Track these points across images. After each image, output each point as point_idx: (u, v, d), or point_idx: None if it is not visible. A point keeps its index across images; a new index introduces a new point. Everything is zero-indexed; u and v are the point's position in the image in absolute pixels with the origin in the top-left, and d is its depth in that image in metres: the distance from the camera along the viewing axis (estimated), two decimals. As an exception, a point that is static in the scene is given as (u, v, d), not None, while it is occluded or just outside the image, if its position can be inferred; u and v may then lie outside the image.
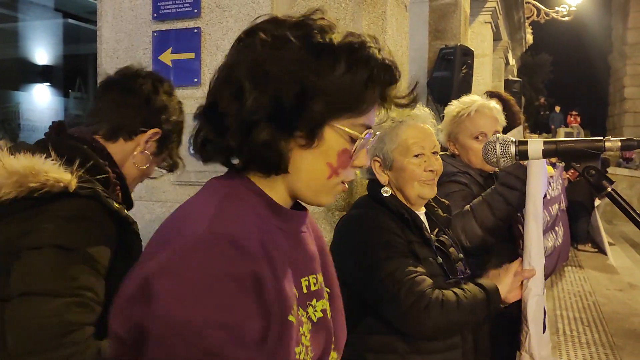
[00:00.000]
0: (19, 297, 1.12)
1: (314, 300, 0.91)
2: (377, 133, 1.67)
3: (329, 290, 1.00)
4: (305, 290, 0.89)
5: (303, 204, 0.94)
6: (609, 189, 1.05)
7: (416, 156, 1.61)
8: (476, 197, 1.94)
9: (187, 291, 0.71)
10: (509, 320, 1.71)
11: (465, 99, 2.17)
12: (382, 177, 1.66)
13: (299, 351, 0.83)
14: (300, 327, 0.85)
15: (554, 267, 3.14)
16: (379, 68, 0.85)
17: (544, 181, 1.71)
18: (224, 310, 0.72)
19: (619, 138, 1.07)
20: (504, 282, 1.59)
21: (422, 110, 1.67)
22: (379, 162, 1.66)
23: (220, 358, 0.70)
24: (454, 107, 2.16)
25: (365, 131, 0.87)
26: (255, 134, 0.81)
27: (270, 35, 0.83)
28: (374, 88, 0.85)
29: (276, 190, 0.89)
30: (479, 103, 2.10)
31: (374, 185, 1.67)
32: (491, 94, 3.12)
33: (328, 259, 1.04)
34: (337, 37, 0.84)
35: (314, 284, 0.92)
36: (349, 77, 0.82)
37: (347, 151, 0.86)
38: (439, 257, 1.58)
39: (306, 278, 0.90)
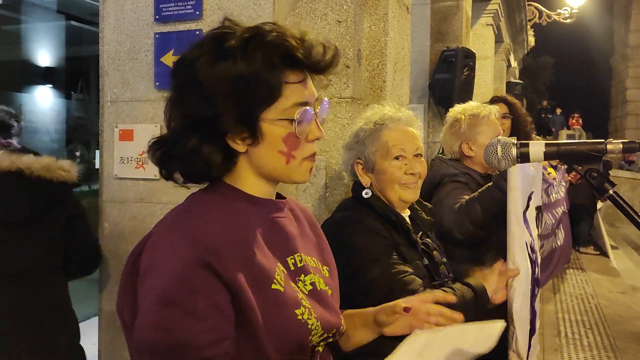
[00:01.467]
0: None
1: (302, 275, 1.02)
2: (360, 135, 1.70)
3: (327, 267, 1.13)
4: (292, 268, 1.00)
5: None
6: (611, 192, 1.04)
7: (397, 158, 1.62)
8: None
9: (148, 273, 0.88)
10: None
11: (469, 104, 2.25)
12: (365, 179, 1.67)
13: (300, 312, 0.95)
14: (297, 293, 0.97)
15: (554, 268, 3.13)
16: (270, 50, 0.91)
17: (527, 181, 1.72)
18: (174, 290, 0.85)
19: (620, 140, 1.07)
20: (490, 282, 1.58)
21: (406, 114, 1.67)
22: (361, 164, 1.67)
23: (172, 331, 0.83)
24: (463, 109, 2.21)
25: (299, 109, 0.94)
26: (184, 144, 0.93)
27: (184, 63, 0.95)
28: (274, 69, 0.91)
29: (251, 185, 1.00)
30: (490, 108, 2.21)
31: (358, 187, 1.67)
32: (497, 99, 3.13)
33: (323, 241, 1.18)
34: (232, 41, 0.92)
35: (300, 262, 1.03)
36: (248, 69, 0.90)
37: (291, 134, 0.95)
38: (424, 259, 1.58)
39: (292, 257, 1.02)
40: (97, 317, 2.47)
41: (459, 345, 0.99)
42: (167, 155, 0.97)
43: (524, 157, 1.18)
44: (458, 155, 2.26)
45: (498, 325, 0.94)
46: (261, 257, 0.93)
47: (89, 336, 2.42)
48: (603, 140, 1.09)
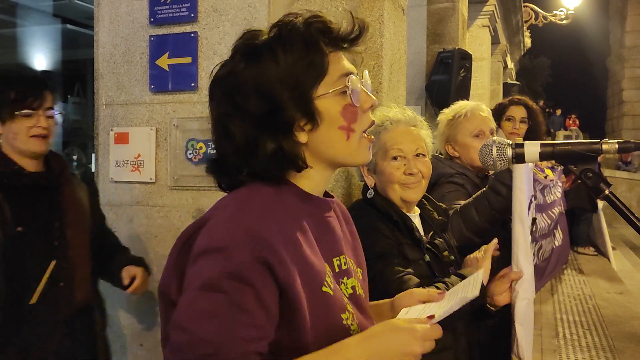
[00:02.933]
0: None
1: (345, 278, 1.02)
2: None
3: (361, 270, 1.13)
4: (337, 269, 1.01)
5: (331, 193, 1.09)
6: (607, 192, 1.04)
7: (395, 159, 1.63)
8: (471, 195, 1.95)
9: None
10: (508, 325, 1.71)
11: (455, 105, 2.24)
12: (369, 180, 1.70)
13: (345, 317, 0.95)
14: (343, 297, 0.98)
15: (553, 269, 3.13)
16: (306, 30, 0.94)
17: (529, 185, 1.72)
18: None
19: (616, 140, 1.07)
20: (484, 266, 1.56)
21: (407, 115, 1.68)
22: (366, 165, 1.70)
23: (215, 317, 0.83)
24: (447, 112, 2.22)
25: (347, 78, 0.96)
26: (262, 149, 0.94)
27: (222, 78, 0.97)
28: (315, 46, 0.95)
29: (310, 178, 1.00)
30: (472, 105, 2.19)
31: (365, 188, 1.71)
32: (518, 101, 3.10)
33: (358, 242, 1.18)
34: (264, 36, 0.96)
35: (344, 264, 1.03)
36: (290, 56, 0.93)
37: (348, 106, 0.96)
38: (426, 255, 1.58)
39: (337, 258, 1.02)
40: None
41: (453, 296, 1.00)
42: (230, 169, 0.97)
43: (519, 158, 1.18)
44: (450, 157, 2.26)
45: (479, 274, 0.95)
46: (314, 258, 0.94)
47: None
48: (598, 140, 1.09)
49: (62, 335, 1.78)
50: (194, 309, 0.84)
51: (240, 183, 0.98)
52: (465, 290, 0.96)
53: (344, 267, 1.03)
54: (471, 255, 1.65)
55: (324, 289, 0.93)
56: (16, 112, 1.73)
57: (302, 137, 0.96)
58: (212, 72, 1.00)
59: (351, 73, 0.97)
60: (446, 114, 2.23)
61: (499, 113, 3.09)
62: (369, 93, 1.00)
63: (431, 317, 0.94)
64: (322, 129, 0.96)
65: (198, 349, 0.81)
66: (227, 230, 0.88)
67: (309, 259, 0.92)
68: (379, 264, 1.47)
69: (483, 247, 1.64)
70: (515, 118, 3.03)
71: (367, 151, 1.02)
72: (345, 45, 0.99)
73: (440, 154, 2.36)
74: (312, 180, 1.01)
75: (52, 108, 1.81)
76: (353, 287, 1.03)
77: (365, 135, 1.00)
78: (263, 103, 0.93)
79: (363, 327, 0.98)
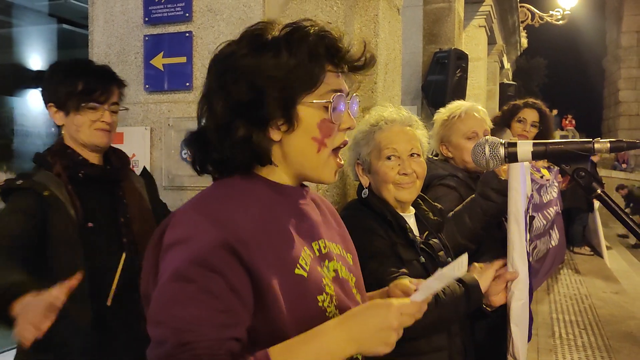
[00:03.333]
0: None
1: (326, 261, 1.04)
2: (357, 137, 1.72)
3: (351, 255, 1.15)
4: (317, 253, 1.03)
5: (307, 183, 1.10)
6: (599, 191, 1.04)
7: (389, 159, 1.63)
8: (464, 199, 1.95)
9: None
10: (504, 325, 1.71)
11: (451, 104, 2.23)
12: (364, 180, 1.70)
13: (322, 299, 0.96)
14: (323, 279, 0.99)
15: (549, 269, 3.13)
16: (315, 41, 0.97)
17: (524, 184, 1.72)
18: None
19: (608, 140, 1.07)
20: (485, 276, 1.58)
21: (402, 115, 1.68)
22: (360, 165, 1.70)
23: (188, 306, 0.84)
24: (443, 112, 2.22)
25: (334, 94, 0.99)
26: (233, 133, 0.96)
27: (222, 56, 1.00)
28: (318, 59, 0.97)
29: (277, 176, 1.03)
30: (467, 105, 2.18)
31: (360, 187, 1.71)
32: (532, 105, 3.07)
33: (345, 231, 1.21)
34: (275, 32, 0.99)
35: (324, 247, 1.05)
36: (292, 59, 0.96)
37: (326, 120, 0.99)
38: (421, 257, 1.58)
39: (316, 242, 1.04)
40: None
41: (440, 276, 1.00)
42: (206, 142, 0.99)
43: (512, 157, 1.18)
44: (445, 157, 2.26)
45: (464, 256, 0.95)
46: (284, 242, 0.96)
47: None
48: (591, 139, 1.09)
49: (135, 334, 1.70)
50: (165, 301, 0.86)
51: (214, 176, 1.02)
52: (451, 270, 0.96)
53: (324, 251, 1.05)
54: (475, 264, 1.64)
55: (297, 271, 0.94)
56: (82, 104, 1.69)
57: (276, 136, 0.99)
58: (217, 47, 1.02)
59: (339, 91, 1.00)
60: (441, 114, 2.23)
61: (511, 114, 3.06)
62: (350, 116, 1.03)
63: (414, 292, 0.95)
64: (297, 134, 0.99)
65: (174, 338, 0.82)
66: (190, 221, 0.91)
67: (278, 243, 0.94)
68: (373, 264, 1.47)
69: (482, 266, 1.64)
70: (527, 121, 3.00)
71: (334, 172, 1.04)
72: (345, 69, 1.02)
73: (436, 154, 2.36)
74: (280, 179, 1.03)
75: (117, 103, 1.78)
76: (335, 270, 1.05)
77: (337, 157, 1.03)
78: (250, 92, 0.95)
79: (343, 310, 0.99)
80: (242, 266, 0.87)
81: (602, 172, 13.78)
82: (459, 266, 0.95)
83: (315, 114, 0.98)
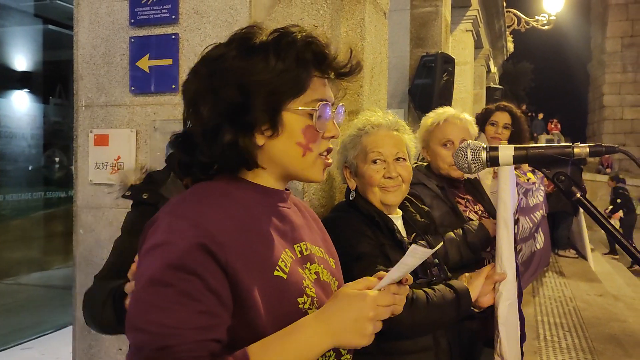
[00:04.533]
0: None
1: (308, 263, 1.05)
2: (345, 141, 1.75)
3: (333, 260, 1.16)
4: (299, 255, 1.03)
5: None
6: (579, 195, 1.06)
7: (374, 162, 1.66)
8: (428, 208, 1.95)
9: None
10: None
11: (439, 109, 2.26)
12: (351, 183, 1.74)
13: (302, 301, 0.97)
14: (304, 281, 0.99)
15: (535, 271, 3.15)
16: (302, 47, 0.98)
17: (512, 187, 1.75)
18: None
19: (587, 144, 1.09)
20: (475, 284, 1.61)
21: (387, 119, 1.71)
22: (348, 168, 1.73)
23: (167, 310, 0.84)
24: (429, 117, 2.26)
25: (319, 103, 1.00)
26: (220, 138, 0.96)
27: (211, 57, 1.00)
28: (305, 65, 0.98)
29: (261, 180, 1.03)
30: (450, 113, 2.22)
31: (348, 190, 1.74)
32: (503, 108, 3.14)
33: (327, 235, 1.22)
34: (263, 37, 0.99)
35: (305, 250, 1.06)
36: (280, 64, 0.96)
37: (310, 127, 1.00)
38: None
39: (298, 244, 1.05)
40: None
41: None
42: (192, 144, 0.99)
43: (493, 161, 1.19)
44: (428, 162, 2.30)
45: (420, 245, 0.95)
46: (263, 244, 0.96)
47: (65, 344, 2.37)
48: (570, 144, 1.11)
49: None
50: (143, 306, 0.85)
51: (198, 178, 1.02)
52: (409, 258, 0.96)
53: (305, 253, 1.05)
54: (466, 274, 1.69)
55: (276, 273, 0.94)
56: None
57: (260, 140, 0.99)
58: (204, 49, 1.03)
59: (325, 100, 1.01)
60: (427, 119, 2.27)
61: (484, 118, 3.14)
62: (335, 125, 1.04)
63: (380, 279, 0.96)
64: (281, 139, 0.99)
65: (154, 344, 0.82)
66: (167, 225, 0.90)
67: (257, 244, 0.94)
68: (361, 265, 1.48)
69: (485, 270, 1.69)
70: (499, 123, 3.08)
71: (321, 171, 1.05)
72: (332, 75, 1.03)
73: (423, 159, 2.38)
74: (266, 182, 1.04)
75: None
76: (317, 273, 1.06)
77: (324, 158, 1.04)
78: (237, 96, 0.95)
79: None
80: (219, 267, 0.87)
81: (586, 176, 13.93)
82: (417, 253, 0.94)
83: (300, 120, 0.99)
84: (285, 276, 0.95)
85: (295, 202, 1.16)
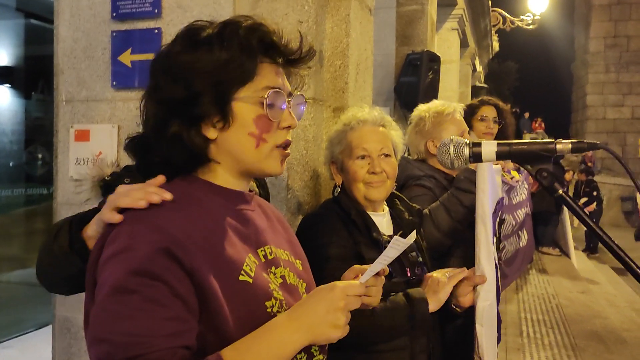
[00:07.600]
0: None
1: (273, 267, 1.02)
2: (332, 137, 1.74)
3: (300, 261, 1.13)
4: (263, 259, 1.00)
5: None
6: (561, 192, 1.06)
7: (360, 158, 1.65)
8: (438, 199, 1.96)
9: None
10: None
11: (437, 101, 2.24)
12: (337, 179, 1.74)
13: (270, 304, 0.94)
14: (270, 284, 0.96)
15: (519, 268, 3.16)
16: (246, 34, 0.96)
17: (492, 185, 1.74)
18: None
19: (569, 140, 1.09)
20: (444, 290, 1.58)
21: (373, 115, 1.70)
22: (335, 164, 1.73)
23: (134, 318, 0.81)
24: (434, 105, 2.23)
25: (269, 90, 0.97)
26: (166, 131, 0.95)
27: (158, 57, 0.99)
28: (250, 52, 0.96)
29: (219, 177, 1.01)
30: (455, 106, 2.21)
31: (335, 186, 1.74)
32: (487, 102, 3.12)
33: (294, 237, 1.19)
34: (210, 30, 0.97)
35: (270, 254, 1.03)
36: (224, 53, 0.94)
37: (262, 116, 0.97)
38: None
39: (262, 249, 1.02)
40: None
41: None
42: (146, 145, 0.98)
43: (476, 157, 1.19)
44: (424, 155, 2.26)
45: (398, 237, 0.96)
46: (227, 248, 0.93)
47: (46, 343, 2.34)
48: (553, 140, 1.11)
49: None
50: (107, 316, 0.81)
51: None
52: (390, 250, 0.97)
53: (270, 257, 1.03)
54: (434, 274, 1.64)
55: (242, 277, 0.92)
56: None
57: (211, 134, 0.97)
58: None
59: (276, 88, 0.98)
60: (434, 106, 2.24)
61: (470, 114, 3.10)
62: (292, 114, 1.01)
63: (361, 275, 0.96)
64: (233, 130, 0.96)
65: (120, 354, 0.78)
66: (128, 231, 0.87)
67: (221, 248, 0.92)
68: (331, 266, 1.47)
69: (449, 271, 1.64)
70: (489, 118, 3.04)
71: (279, 163, 1.01)
72: (280, 61, 1.01)
73: (409, 155, 2.37)
74: (225, 180, 1.01)
75: None
76: (283, 277, 1.03)
77: (281, 149, 1.01)
78: (183, 90, 0.94)
79: None
80: (184, 272, 0.84)
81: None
82: (399, 244, 0.94)
83: (250, 110, 0.96)
84: (250, 280, 0.93)
85: (260, 203, 1.13)
